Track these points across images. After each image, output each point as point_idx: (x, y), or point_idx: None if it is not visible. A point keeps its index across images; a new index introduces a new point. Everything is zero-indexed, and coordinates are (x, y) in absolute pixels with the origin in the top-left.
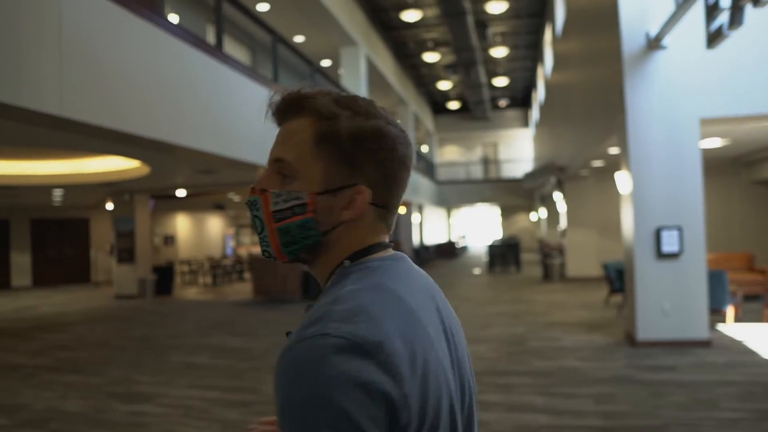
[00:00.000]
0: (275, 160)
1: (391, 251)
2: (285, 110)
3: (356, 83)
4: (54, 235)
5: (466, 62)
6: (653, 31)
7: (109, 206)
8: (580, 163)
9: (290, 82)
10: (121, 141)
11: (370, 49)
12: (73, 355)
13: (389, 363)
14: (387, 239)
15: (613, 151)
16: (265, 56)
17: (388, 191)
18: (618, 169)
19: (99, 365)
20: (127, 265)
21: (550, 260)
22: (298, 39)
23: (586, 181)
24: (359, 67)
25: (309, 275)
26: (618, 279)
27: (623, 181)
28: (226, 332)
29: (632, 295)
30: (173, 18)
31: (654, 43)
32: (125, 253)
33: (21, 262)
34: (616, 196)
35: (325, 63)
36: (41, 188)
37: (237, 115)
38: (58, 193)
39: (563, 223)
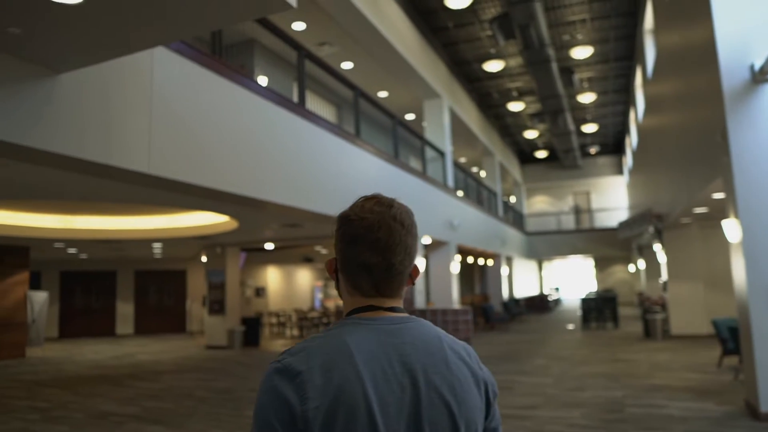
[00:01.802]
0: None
1: (382, 312)
2: None
3: (440, 135)
4: (154, 286)
5: (553, 110)
6: (758, 63)
7: (204, 259)
8: (680, 211)
9: (374, 136)
10: (210, 197)
11: (453, 100)
12: (159, 406)
13: (301, 386)
14: (387, 303)
15: (718, 196)
16: (351, 112)
17: (343, 262)
18: (724, 215)
19: (181, 417)
20: (217, 316)
21: (652, 316)
22: (382, 94)
23: (689, 229)
24: (443, 118)
25: None
26: (732, 338)
27: (731, 228)
28: None
29: (751, 357)
30: (262, 80)
31: (759, 76)
32: (216, 305)
33: (125, 311)
34: (724, 244)
35: (409, 117)
36: (143, 242)
37: (321, 170)
38: (157, 247)
39: (664, 274)
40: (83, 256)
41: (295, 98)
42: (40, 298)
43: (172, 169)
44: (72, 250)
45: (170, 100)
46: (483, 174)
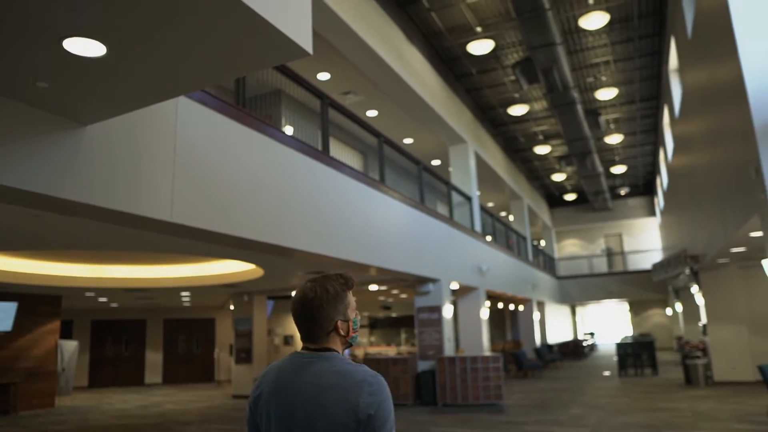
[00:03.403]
0: None
1: (305, 350)
2: None
3: (466, 180)
4: (183, 335)
5: (580, 152)
6: None
7: (231, 307)
8: (717, 251)
9: (399, 182)
10: (235, 245)
11: (478, 145)
12: None
13: (253, 392)
14: (312, 345)
15: (756, 234)
16: (376, 159)
17: None
18: (764, 254)
19: None
20: (244, 365)
21: (692, 361)
22: (407, 141)
23: (727, 270)
24: (468, 163)
25: (421, 378)
26: None
27: None
28: None
29: None
30: (288, 129)
31: None
32: (243, 353)
33: (154, 360)
34: (765, 285)
35: (435, 162)
36: (172, 290)
37: (347, 216)
38: (186, 295)
39: (703, 317)
40: (114, 305)
41: (320, 146)
42: (70, 346)
43: (195, 218)
44: (102, 299)
45: (194, 150)
46: (511, 218)
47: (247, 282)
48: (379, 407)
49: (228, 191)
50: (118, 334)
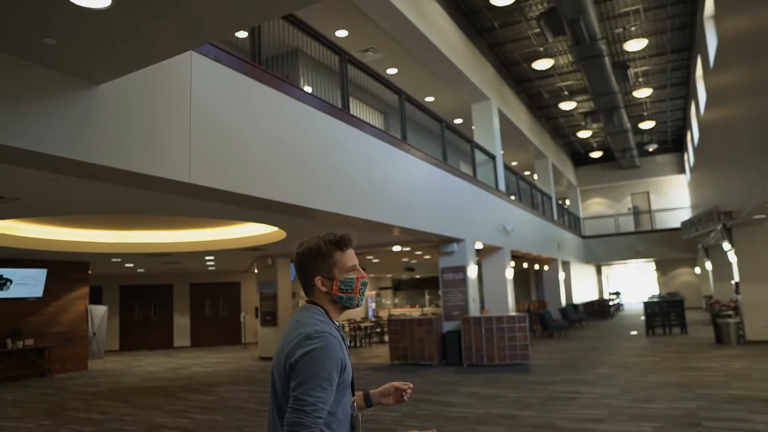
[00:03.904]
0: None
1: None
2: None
3: (489, 138)
4: (210, 299)
5: (607, 108)
6: None
7: (255, 270)
8: (753, 207)
9: (421, 142)
10: (256, 206)
11: (502, 102)
12: (210, 418)
13: None
14: (306, 299)
15: None
16: (397, 119)
17: None
18: None
19: (231, 430)
20: (270, 327)
21: (724, 320)
22: (429, 99)
23: (762, 226)
24: (492, 121)
25: (446, 339)
26: None
27: None
28: None
29: None
30: (307, 90)
31: None
32: (268, 316)
33: (181, 324)
34: None
35: (457, 121)
36: (196, 254)
37: (368, 176)
38: (210, 259)
39: (736, 276)
40: (140, 270)
41: (340, 104)
42: (99, 311)
43: (213, 178)
44: (129, 265)
45: (210, 109)
46: (536, 177)
47: (270, 245)
48: (299, 360)
49: (246, 151)
50: (146, 299)
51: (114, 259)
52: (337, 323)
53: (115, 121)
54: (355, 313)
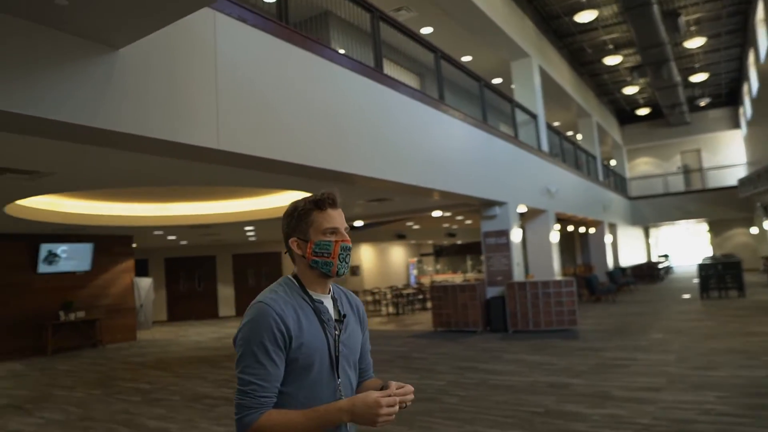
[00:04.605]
0: (346, 227)
1: None
2: (339, 202)
3: (530, 97)
4: (252, 269)
5: (655, 61)
6: None
7: None
8: None
9: (459, 103)
10: (290, 172)
11: (542, 59)
12: None
13: None
14: None
15: None
16: (433, 80)
17: None
18: None
19: None
20: None
21: None
22: (466, 59)
23: None
24: (533, 79)
25: (491, 305)
26: None
27: None
28: (401, 367)
29: None
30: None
31: None
32: None
33: (226, 294)
34: None
35: (496, 81)
36: (235, 225)
37: (405, 138)
38: (249, 230)
39: None
40: (183, 242)
41: (373, 64)
42: (145, 283)
43: (243, 144)
44: (171, 237)
45: (237, 72)
46: (579, 137)
47: None
48: (236, 339)
49: (277, 115)
50: (190, 270)
51: (156, 232)
52: (321, 294)
53: (138, 87)
54: (397, 280)
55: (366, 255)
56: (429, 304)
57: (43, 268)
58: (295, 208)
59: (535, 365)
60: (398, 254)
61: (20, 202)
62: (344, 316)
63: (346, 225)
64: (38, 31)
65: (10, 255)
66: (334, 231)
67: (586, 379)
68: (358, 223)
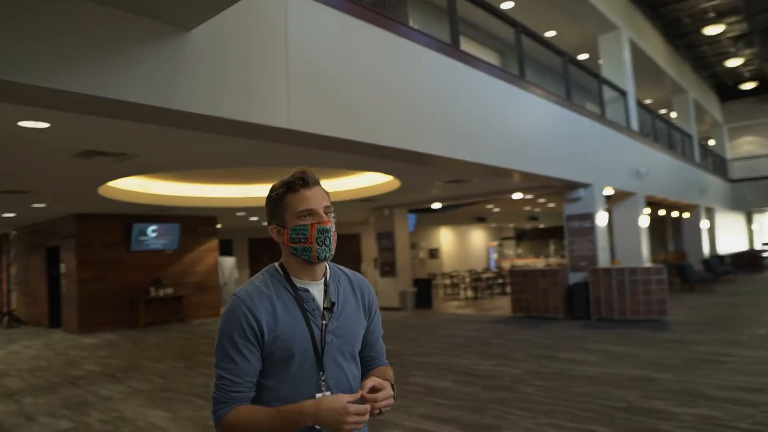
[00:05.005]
0: (327, 206)
1: None
2: (315, 180)
3: (619, 73)
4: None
5: (764, 29)
6: None
7: (372, 221)
8: None
9: (542, 80)
10: (363, 152)
11: (633, 31)
12: None
13: None
14: None
15: None
16: (514, 57)
17: None
18: None
19: None
20: (389, 278)
21: None
22: (549, 34)
23: None
24: (622, 54)
25: (573, 291)
26: None
27: None
28: (477, 352)
29: None
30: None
31: None
32: (387, 267)
33: None
34: None
35: (582, 57)
36: None
37: (484, 117)
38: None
39: None
40: (265, 223)
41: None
42: (228, 263)
43: (315, 124)
44: (254, 218)
45: (309, 51)
46: (674, 115)
47: (384, 195)
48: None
49: (349, 94)
50: (273, 250)
51: (239, 213)
52: (308, 282)
53: (210, 68)
54: (476, 264)
55: (445, 238)
56: (508, 289)
57: (135, 246)
58: (270, 193)
59: (619, 356)
60: (478, 237)
61: (111, 183)
62: (333, 304)
63: (327, 203)
64: (113, 16)
65: (107, 234)
66: (310, 213)
67: (676, 375)
68: (436, 205)
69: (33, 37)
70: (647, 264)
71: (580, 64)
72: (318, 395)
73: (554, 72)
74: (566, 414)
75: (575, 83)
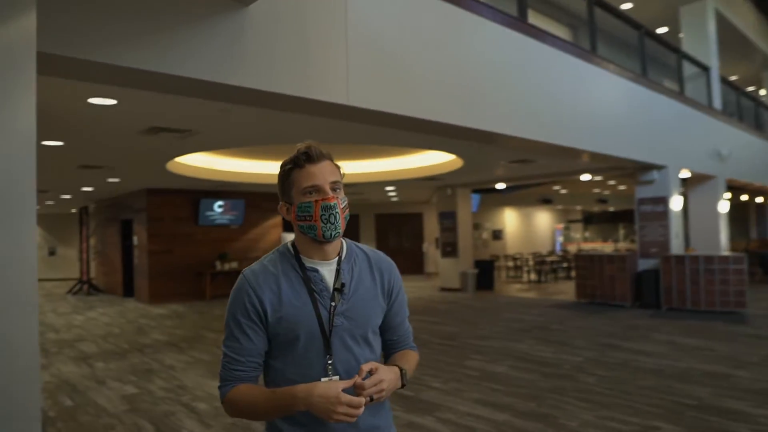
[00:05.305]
0: (334, 182)
1: None
2: (321, 154)
3: (702, 47)
4: (394, 229)
5: None
6: None
7: (435, 201)
8: None
9: (615, 55)
10: (423, 130)
11: (720, 1)
12: None
13: None
14: None
15: None
16: (586, 31)
17: None
18: None
19: None
20: (450, 259)
21: None
22: (625, 6)
23: None
24: (706, 26)
25: (642, 279)
26: None
27: None
28: (537, 338)
29: None
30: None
31: None
32: (448, 247)
33: None
34: None
35: (660, 30)
36: (376, 185)
37: (552, 94)
38: (390, 190)
39: None
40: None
41: (516, 14)
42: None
43: (374, 100)
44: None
45: (367, 26)
46: (762, 93)
47: (447, 174)
48: None
49: (409, 69)
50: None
51: None
52: (319, 261)
53: (267, 43)
54: (541, 246)
55: (509, 219)
56: (573, 274)
57: (202, 221)
58: (279, 169)
59: (690, 349)
60: (544, 220)
61: (179, 159)
62: (343, 285)
63: (334, 178)
64: None
65: (176, 209)
66: (315, 189)
67: (754, 372)
68: (500, 186)
69: (100, 16)
70: (725, 252)
71: (659, 38)
72: (324, 380)
73: (629, 47)
74: (629, 408)
75: (652, 59)
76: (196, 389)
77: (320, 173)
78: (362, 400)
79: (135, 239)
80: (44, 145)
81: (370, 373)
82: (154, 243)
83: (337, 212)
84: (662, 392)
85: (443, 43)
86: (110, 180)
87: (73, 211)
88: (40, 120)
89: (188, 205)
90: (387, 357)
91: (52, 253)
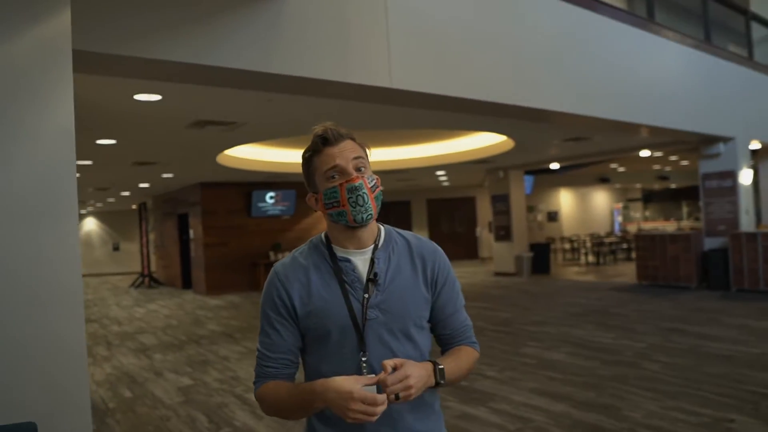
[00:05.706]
0: (357, 158)
1: None
2: (340, 135)
3: None
4: (445, 214)
5: None
6: None
7: (487, 184)
8: None
9: (675, 22)
10: (471, 110)
11: None
12: None
13: None
14: None
15: None
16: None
17: None
18: None
19: None
20: (504, 243)
21: None
22: None
23: None
24: None
25: (709, 259)
26: None
27: None
28: (596, 323)
29: None
30: None
31: None
32: (502, 231)
33: None
34: None
35: None
36: (427, 169)
37: (606, 67)
38: (441, 174)
39: None
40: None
41: None
42: None
43: (418, 81)
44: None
45: (408, 5)
46: None
47: (498, 156)
48: None
49: (453, 48)
50: (385, 214)
51: None
52: (352, 251)
53: (306, 28)
54: (599, 227)
55: (565, 200)
56: (633, 255)
57: (255, 212)
58: (302, 158)
59: (764, 333)
60: (601, 199)
61: (228, 152)
62: (376, 274)
63: (357, 155)
64: None
65: (229, 201)
66: (338, 171)
67: None
68: (554, 166)
69: (141, 12)
70: None
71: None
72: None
73: (690, 12)
74: (698, 398)
75: (715, 23)
76: (249, 380)
77: (340, 153)
78: (381, 397)
79: (191, 232)
80: (98, 144)
81: (395, 369)
82: (210, 236)
83: (364, 192)
84: (735, 380)
85: (489, 18)
86: (164, 175)
87: (134, 207)
88: (91, 119)
89: (241, 198)
90: (442, 355)
91: (116, 248)
